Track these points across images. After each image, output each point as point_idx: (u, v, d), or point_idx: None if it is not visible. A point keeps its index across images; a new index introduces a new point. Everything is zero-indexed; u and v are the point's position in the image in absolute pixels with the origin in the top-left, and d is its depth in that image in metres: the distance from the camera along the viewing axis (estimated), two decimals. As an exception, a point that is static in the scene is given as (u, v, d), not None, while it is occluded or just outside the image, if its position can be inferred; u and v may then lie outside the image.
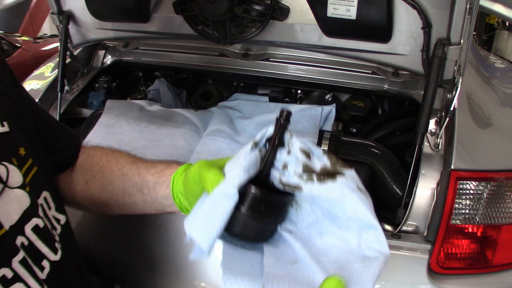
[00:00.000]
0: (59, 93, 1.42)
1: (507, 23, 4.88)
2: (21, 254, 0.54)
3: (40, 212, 0.60)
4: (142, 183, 0.75)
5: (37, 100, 1.42)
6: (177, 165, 0.73)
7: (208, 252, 0.52)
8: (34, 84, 1.52)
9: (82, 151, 0.83)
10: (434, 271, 0.96)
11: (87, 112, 1.52)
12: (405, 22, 1.12)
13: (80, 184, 0.80)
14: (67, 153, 0.81)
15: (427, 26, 1.08)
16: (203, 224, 0.53)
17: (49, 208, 0.64)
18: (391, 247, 0.94)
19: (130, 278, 1.11)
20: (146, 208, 0.77)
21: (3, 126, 0.58)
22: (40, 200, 0.62)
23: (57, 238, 0.63)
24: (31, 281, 0.55)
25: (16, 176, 0.56)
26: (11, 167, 0.56)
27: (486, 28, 5.28)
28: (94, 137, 1.27)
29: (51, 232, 0.62)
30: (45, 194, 0.63)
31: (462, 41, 1.03)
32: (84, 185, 0.80)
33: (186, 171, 0.68)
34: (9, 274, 0.52)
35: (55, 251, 0.61)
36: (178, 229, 1.03)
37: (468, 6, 0.97)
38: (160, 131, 1.29)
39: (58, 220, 0.65)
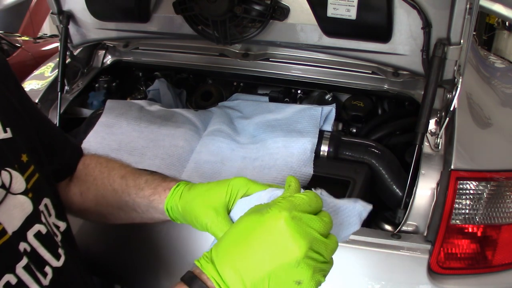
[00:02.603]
0: (59, 93, 1.42)
1: (507, 23, 4.87)
2: (24, 260, 0.54)
3: (43, 219, 0.60)
4: (134, 204, 0.75)
5: (37, 100, 1.42)
6: (163, 189, 0.73)
7: None
8: (34, 84, 1.51)
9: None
10: (434, 271, 0.96)
11: (87, 112, 1.52)
12: (405, 22, 1.12)
13: (76, 195, 0.80)
14: (67, 160, 0.81)
15: (427, 26, 1.08)
16: None
17: (50, 215, 0.63)
18: (391, 247, 0.96)
19: (130, 278, 1.11)
20: (144, 220, 0.79)
21: (6, 132, 0.57)
22: (41, 207, 0.61)
23: (59, 244, 0.62)
24: (35, 287, 0.54)
25: (19, 182, 0.56)
26: (15, 173, 0.56)
27: (486, 28, 5.27)
28: (94, 137, 1.27)
29: (54, 238, 0.61)
30: (46, 201, 0.63)
31: (462, 41, 1.03)
32: (79, 197, 0.80)
33: (183, 204, 0.69)
34: (13, 280, 0.51)
35: (57, 257, 0.60)
36: (179, 229, 1.03)
37: (468, 6, 0.97)
38: (160, 131, 1.29)
39: (58, 227, 0.65)
